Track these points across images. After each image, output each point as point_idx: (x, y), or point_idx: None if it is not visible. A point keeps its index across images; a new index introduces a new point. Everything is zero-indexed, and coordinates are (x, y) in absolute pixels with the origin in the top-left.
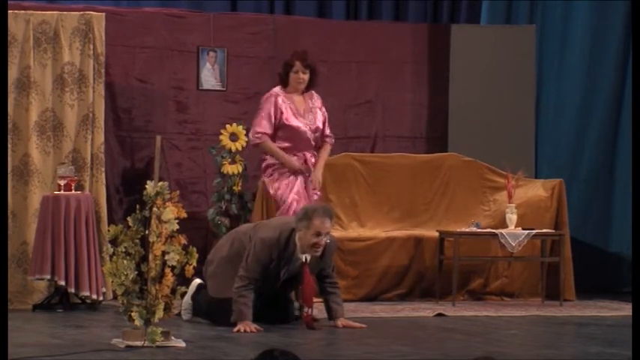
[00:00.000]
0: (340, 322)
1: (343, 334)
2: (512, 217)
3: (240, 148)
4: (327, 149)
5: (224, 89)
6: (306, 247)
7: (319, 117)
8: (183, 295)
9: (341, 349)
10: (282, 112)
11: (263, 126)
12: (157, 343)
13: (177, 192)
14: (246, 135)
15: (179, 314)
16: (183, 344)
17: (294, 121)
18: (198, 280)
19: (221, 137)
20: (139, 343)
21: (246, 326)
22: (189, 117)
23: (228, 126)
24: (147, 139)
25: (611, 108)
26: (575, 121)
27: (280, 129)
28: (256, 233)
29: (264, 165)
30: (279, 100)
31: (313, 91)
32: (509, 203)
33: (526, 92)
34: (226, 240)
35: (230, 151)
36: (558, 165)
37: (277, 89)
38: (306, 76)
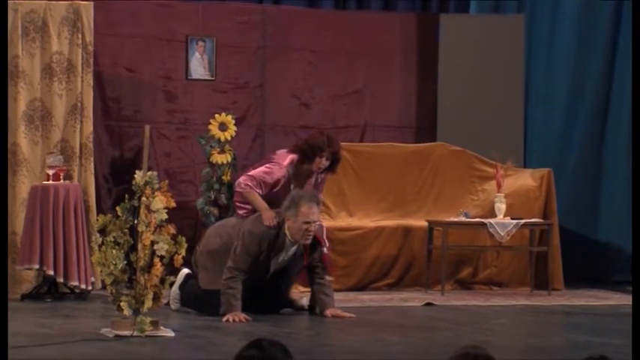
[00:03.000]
0: (329, 312)
1: (332, 323)
2: (500, 207)
3: (229, 138)
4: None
5: (213, 79)
6: (296, 236)
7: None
8: (171, 284)
9: (330, 339)
10: (281, 187)
11: (258, 186)
12: (146, 333)
13: (166, 181)
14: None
15: (168, 304)
16: (172, 334)
17: (286, 194)
18: (186, 270)
19: (210, 127)
20: (127, 333)
21: (235, 316)
22: (178, 106)
23: (217, 115)
24: (135, 128)
25: (599, 97)
26: (564, 110)
27: (270, 190)
28: (245, 225)
29: (239, 198)
30: (283, 179)
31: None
32: (498, 193)
33: (515, 82)
34: (214, 233)
35: (219, 140)
36: (547, 155)
37: (288, 166)
38: (327, 164)
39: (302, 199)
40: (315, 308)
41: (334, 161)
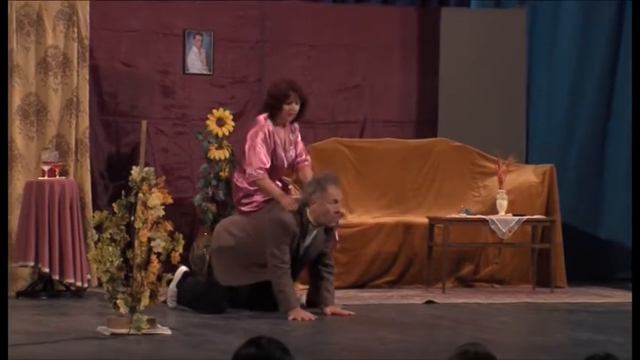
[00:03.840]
0: (329, 309)
1: (332, 321)
2: (502, 203)
3: (227, 133)
4: (309, 170)
5: (210, 73)
6: (323, 218)
7: (298, 149)
8: (169, 282)
9: (329, 337)
10: (272, 146)
11: (263, 160)
12: (143, 331)
13: (163, 178)
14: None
15: (165, 302)
16: (169, 332)
17: (279, 157)
18: (183, 268)
19: (207, 122)
20: (124, 331)
21: (300, 314)
22: (175, 101)
23: (214, 111)
24: (132, 123)
25: (602, 92)
26: (567, 105)
27: (272, 154)
28: (264, 217)
29: (240, 195)
30: (270, 133)
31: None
32: (500, 189)
33: (517, 76)
34: (224, 229)
35: (217, 136)
36: (549, 150)
37: (265, 121)
38: (297, 107)
39: (327, 181)
40: (316, 303)
41: (302, 105)
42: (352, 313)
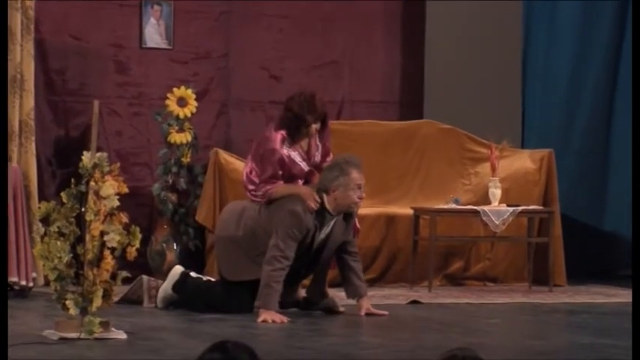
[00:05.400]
0: (363, 309)
1: (306, 324)
2: (495, 192)
3: (189, 115)
4: None
5: (170, 48)
6: (345, 204)
7: (322, 151)
8: (124, 280)
9: (302, 341)
10: (287, 164)
11: (274, 181)
12: (95, 335)
13: (118, 164)
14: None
15: (119, 302)
16: (124, 336)
17: (298, 166)
18: (180, 267)
19: (167, 102)
20: (74, 335)
21: (272, 316)
22: (131, 79)
23: (175, 89)
24: (83, 103)
25: (607, 70)
26: (567, 84)
27: (288, 171)
28: (283, 206)
29: (251, 187)
30: (284, 153)
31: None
32: (493, 176)
33: (512, 52)
34: (229, 218)
35: (178, 117)
36: (548, 134)
37: (280, 145)
38: (318, 126)
39: (350, 166)
40: (315, 304)
41: (325, 120)
42: (386, 313)
